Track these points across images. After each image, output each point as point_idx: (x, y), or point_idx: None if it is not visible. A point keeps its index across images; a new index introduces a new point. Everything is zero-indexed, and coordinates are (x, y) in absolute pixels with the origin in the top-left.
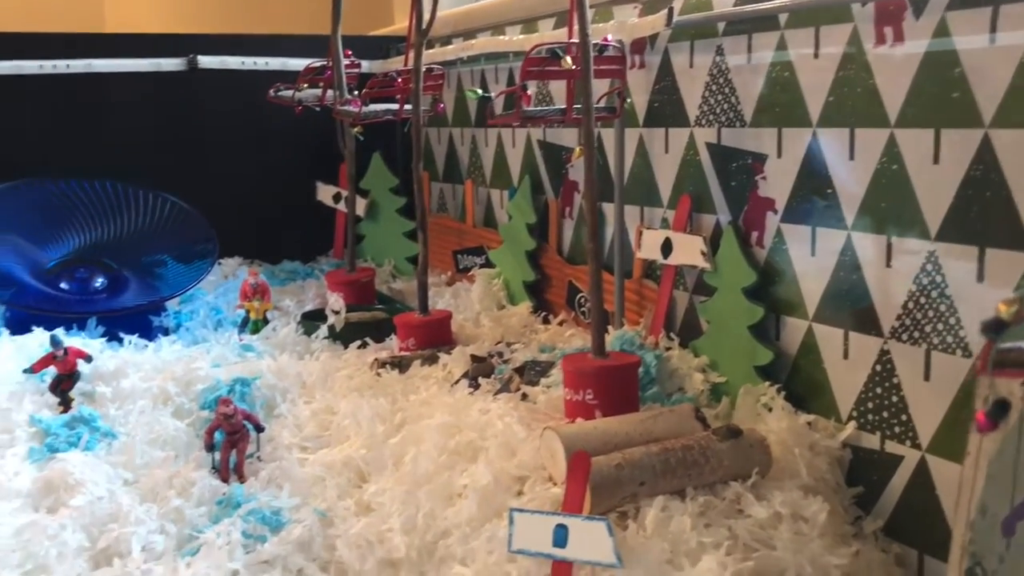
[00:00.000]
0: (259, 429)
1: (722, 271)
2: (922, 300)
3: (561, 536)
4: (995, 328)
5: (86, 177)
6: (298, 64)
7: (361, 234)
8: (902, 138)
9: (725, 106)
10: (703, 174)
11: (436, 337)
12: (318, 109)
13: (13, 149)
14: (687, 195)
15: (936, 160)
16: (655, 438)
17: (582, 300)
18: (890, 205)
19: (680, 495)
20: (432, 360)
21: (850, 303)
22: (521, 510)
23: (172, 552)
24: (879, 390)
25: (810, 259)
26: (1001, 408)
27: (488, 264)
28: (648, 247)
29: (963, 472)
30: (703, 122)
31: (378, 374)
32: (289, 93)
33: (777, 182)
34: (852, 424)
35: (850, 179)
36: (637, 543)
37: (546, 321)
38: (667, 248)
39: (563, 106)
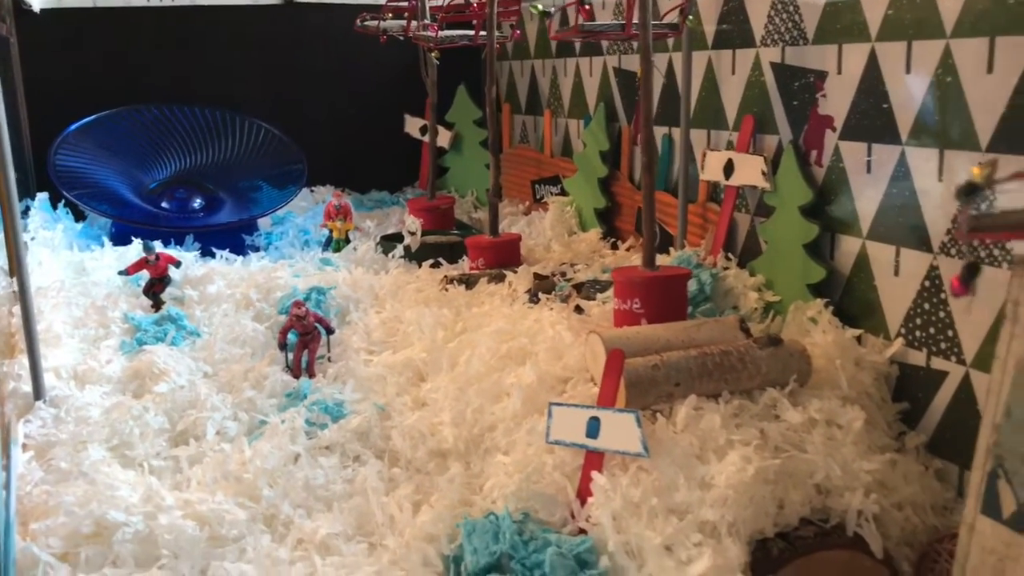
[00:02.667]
0: (329, 331)
1: (781, 190)
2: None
3: (594, 428)
4: (968, 192)
5: (187, 104)
6: None
7: (446, 166)
8: (957, 49)
9: (790, 24)
10: (767, 94)
11: (505, 258)
12: (402, 39)
13: (121, 77)
14: (751, 116)
15: (990, 70)
16: (696, 345)
17: None
18: (943, 118)
19: (715, 398)
20: (499, 279)
21: (902, 219)
22: (559, 404)
23: (242, 436)
24: (927, 306)
25: (866, 176)
26: (972, 271)
27: (563, 193)
28: (711, 169)
29: (991, 375)
30: (768, 42)
31: (445, 289)
32: (375, 23)
33: (837, 99)
34: (900, 341)
35: (906, 93)
36: (666, 436)
37: (614, 247)
38: (729, 169)
39: (623, 21)
